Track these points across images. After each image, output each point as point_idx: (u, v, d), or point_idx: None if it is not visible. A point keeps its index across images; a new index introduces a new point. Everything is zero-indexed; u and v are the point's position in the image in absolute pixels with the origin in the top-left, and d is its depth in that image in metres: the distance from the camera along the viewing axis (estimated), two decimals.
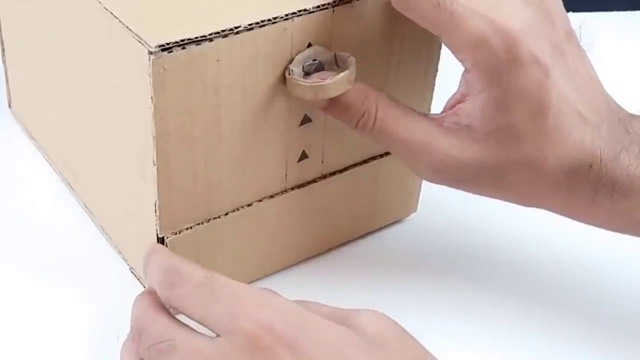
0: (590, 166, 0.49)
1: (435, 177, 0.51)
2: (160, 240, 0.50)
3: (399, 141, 0.50)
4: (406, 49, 0.54)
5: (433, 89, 0.58)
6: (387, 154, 0.57)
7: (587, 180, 0.49)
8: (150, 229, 0.50)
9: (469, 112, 0.49)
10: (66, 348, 0.51)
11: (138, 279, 0.55)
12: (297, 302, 0.43)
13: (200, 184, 0.50)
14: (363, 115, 0.50)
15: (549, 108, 0.48)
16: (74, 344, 0.51)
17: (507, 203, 0.52)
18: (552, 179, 0.50)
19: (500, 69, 0.47)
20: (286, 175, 0.53)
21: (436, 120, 0.50)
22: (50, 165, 0.64)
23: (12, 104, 0.69)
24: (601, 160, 0.49)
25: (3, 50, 0.67)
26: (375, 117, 0.50)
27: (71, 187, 0.62)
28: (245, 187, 0.52)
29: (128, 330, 0.50)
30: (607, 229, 0.52)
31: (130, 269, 0.56)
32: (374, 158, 0.57)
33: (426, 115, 0.51)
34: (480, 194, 0.52)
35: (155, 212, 0.49)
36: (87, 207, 0.60)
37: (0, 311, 0.53)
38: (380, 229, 0.61)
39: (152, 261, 0.45)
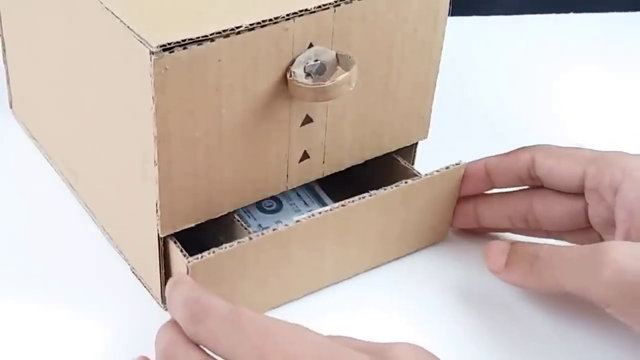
0: None
1: (615, 287, 0.46)
2: (161, 240, 0.49)
3: (576, 259, 0.48)
4: (408, 49, 0.53)
5: (434, 90, 0.57)
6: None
7: None
8: (151, 229, 0.49)
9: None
10: (67, 347, 0.50)
11: (139, 279, 0.53)
12: (329, 336, 0.40)
13: (201, 184, 0.48)
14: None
15: None
16: (75, 344, 0.50)
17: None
18: None
19: None
20: (287, 176, 0.52)
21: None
22: (51, 165, 0.63)
23: (13, 104, 0.68)
24: None
25: (4, 50, 0.65)
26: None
27: (72, 187, 0.60)
28: (247, 187, 0.51)
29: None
30: None
31: (131, 269, 0.54)
32: (405, 182, 0.53)
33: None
34: None
35: (157, 212, 0.48)
36: (87, 207, 0.58)
37: None
38: (411, 253, 0.57)
39: (175, 293, 0.43)
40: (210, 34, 0.44)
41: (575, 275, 0.48)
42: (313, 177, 0.53)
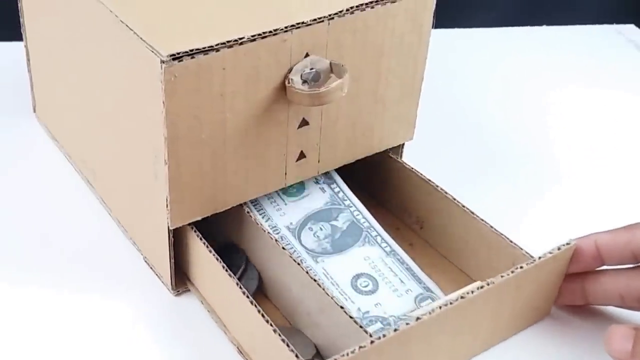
0: None
1: None
2: (171, 232, 0.51)
3: None
4: (395, 58, 0.54)
5: (419, 95, 0.58)
6: None
7: None
8: (162, 222, 0.51)
9: None
10: (84, 328, 0.51)
11: (151, 268, 0.55)
12: None
13: (207, 182, 0.50)
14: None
15: None
16: (92, 326, 0.52)
17: None
18: None
19: None
20: (286, 174, 0.54)
21: None
22: (71, 164, 0.64)
23: (36, 109, 0.70)
24: None
25: (28, 60, 0.67)
26: None
27: (90, 184, 0.62)
28: (249, 184, 0.52)
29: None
30: None
31: (144, 259, 0.56)
32: (520, 267, 0.49)
33: None
34: None
35: (167, 206, 0.49)
36: (104, 203, 0.60)
37: (22, 294, 0.54)
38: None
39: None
40: (216, 45, 0.46)
41: None
42: (309, 175, 0.55)
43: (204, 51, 0.45)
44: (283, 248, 0.51)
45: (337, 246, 0.55)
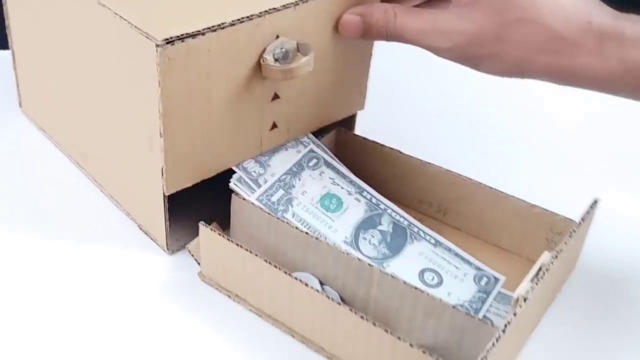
0: (589, 22, 0.50)
1: (449, 52, 0.53)
2: (166, 198, 0.55)
3: (417, 30, 0.54)
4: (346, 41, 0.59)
5: (369, 70, 0.63)
6: None
7: (591, 34, 0.50)
8: (157, 190, 0.54)
9: None
10: (88, 288, 0.55)
11: (146, 233, 0.59)
12: None
13: (196, 151, 0.54)
14: (388, 23, 0.55)
15: None
16: (96, 293, 0.55)
17: None
18: (551, 34, 0.50)
19: None
20: (261, 142, 0.58)
21: (441, 9, 0.55)
22: (60, 150, 0.68)
23: (22, 104, 0.72)
24: (599, 19, 0.50)
25: (13, 58, 0.70)
26: (395, 20, 0.55)
27: (80, 166, 0.65)
28: (231, 152, 0.56)
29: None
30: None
31: (138, 226, 0.60)
32: None
33: (430, 9, 0.56)
34: (489, 65, 0.53)
35: (162, 175, 0.53)
36: (96, 181, 0.64)
37: (31, 267, 0.56)
38: None
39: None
40: (202, 29, 0.50)
41: (421, 44, 0.55)
42: (280, 142, 0.60)
43: (192, 35, 0.50)
44: (369, 265, 0.51)
45: (393, 249, 0.56)
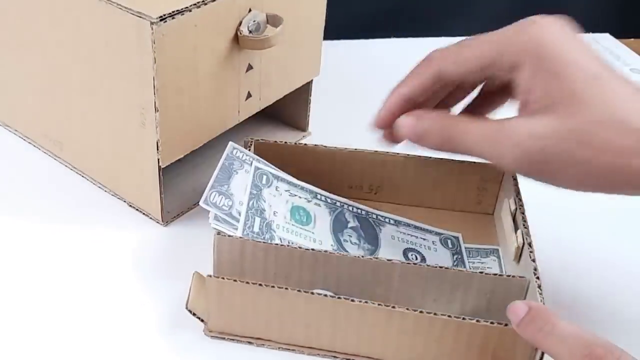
0: None
1: (523, 164, 0.44)
2: (161, 170, 0.56)
3: (481, 136, 0.46)
4: (305, 10, 0.62)
5: (322, 38, 0.66)
6: None
7: None
8: (151, 163, 0.55)
9: (525, 90, 0.45)
10: (90, 262, 0.55)
11: (137, 210, 0.60)
12: None
13: (187, 124, 0.55)
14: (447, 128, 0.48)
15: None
16: (95, 260, 0.55)
17: None
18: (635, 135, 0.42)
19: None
20: (239, 112, 0.60)
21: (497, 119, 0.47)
22: (30, 142, 0.66)
23: None
24: None
25: None
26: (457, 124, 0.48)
27: (55, 155, 0.64)
28: (214, 123, 0.58)
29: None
30: None
31: (128, 204, 0.60)
32: None
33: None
34: (571, 176, 0.44)
35: (158, 149, 0.54)
36: (75, 168, 0.63)
37: (28, 254, 0.56)
38: None
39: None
40: (189, 6, 0.51)
41: (484, 152, 0.46)
42: (254, 111, 0.62)
43: (181, 12, 0.51)
44: (388, 260, 0.49)
45: (372, 241, 0.56)
